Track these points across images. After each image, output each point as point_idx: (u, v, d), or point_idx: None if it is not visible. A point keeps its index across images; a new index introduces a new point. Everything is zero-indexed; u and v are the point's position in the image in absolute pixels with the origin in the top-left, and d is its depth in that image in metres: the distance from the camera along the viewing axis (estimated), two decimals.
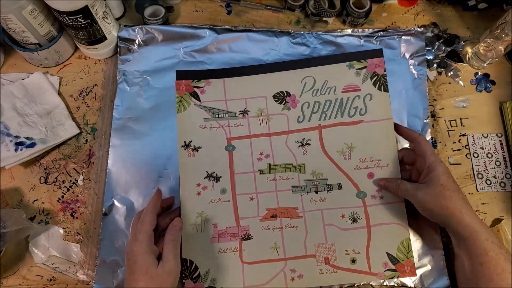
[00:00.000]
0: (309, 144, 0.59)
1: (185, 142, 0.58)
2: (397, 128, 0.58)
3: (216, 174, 0.57)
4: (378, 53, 0.61)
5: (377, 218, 0.56)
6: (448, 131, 0.65)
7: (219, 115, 0.60)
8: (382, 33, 0.67)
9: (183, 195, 0.56)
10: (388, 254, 0.55)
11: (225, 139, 0.59)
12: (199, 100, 0.60)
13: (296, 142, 0.59)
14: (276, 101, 0.60)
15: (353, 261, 0.55)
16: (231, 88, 0.61)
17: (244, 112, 0.60)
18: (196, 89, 0.60)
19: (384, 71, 0.60)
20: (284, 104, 0.60)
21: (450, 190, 0.50)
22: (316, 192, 0.57)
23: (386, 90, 0.59)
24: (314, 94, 0.60)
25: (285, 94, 0.60)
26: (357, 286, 0.56)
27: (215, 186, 0.57)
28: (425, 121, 0.63)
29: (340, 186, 0.57)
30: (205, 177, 0.57)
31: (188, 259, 0.54)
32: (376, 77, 0.60)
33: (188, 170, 0.57)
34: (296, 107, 0.60)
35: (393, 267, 0.55)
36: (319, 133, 0.59)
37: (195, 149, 0.58)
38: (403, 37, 0.66)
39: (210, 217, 0.56)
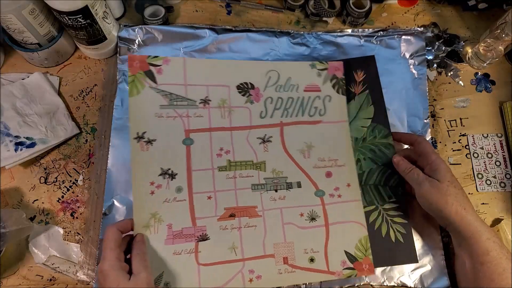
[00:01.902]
0: (270, 141, 0.58)
1: (138, 133, 0.53)
2: (395, 135, 0.59)
3: (172, 171, 0.54)
4: (370, 60, 0.63)
5: (335, 216, 0.56)
6: (448, 131, 0.65)
7: (177, 102, 0.55)
8: (382, 33, 0.67)
9: (135, 195, 0.52)
10: (346, 252, 0.55)
11: (183, 131, 0.55)
12: (155, 81, 0.55)
13: (257, 138, 0.58)
14: (239, 92, 0.58)
15: (312, 260, 0.55)
16: (192, 70, 0.56)
17: (205, 101, 0.57)
18: (152, 67, 0.55)
19: (343, 75, 0.61)
20: (247, 96, 0.58)
21: (456, 187, 0.50)
22: (276, 191, 0.56)
23: (343, 93, 0.61)
24: (278, 90, 0.60)
25: (249, 86, 0.59)
26: (357, 286, 0.56)
27: (170, 184, 0.54)
28: (425, 121, 0.63)
29: (299, 185, 0.57)
30: (160, 174, 0.53)
31: None
32: (335, 80, 0.61)
33: (141, 167, 0.53)
34: (259, 101, 0.59)
35: (351, 265, 0.55)
36: (281, 130, 0.58)
37: (149, 142, 0.54)
38: (403, 37, 0.66)
39: (164, 218, 0.53)
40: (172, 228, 0.53)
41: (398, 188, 0.59)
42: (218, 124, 0.57)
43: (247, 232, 0.54)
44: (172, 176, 0.54)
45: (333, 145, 0.59)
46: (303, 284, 0.56)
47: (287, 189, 0.57)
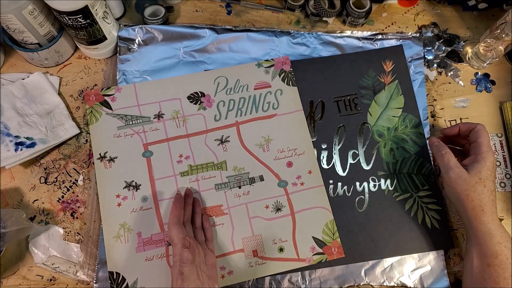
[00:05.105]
0: (228, 141, 0.60)
1: (100, 154, 0.58)
2: (453, 128, 0.57)
3: (136, 183, 0.57)
4: (398, 49, 0.64)
5: (300, 204, 0.58)
6: None
7: (133, 122, 0.60)
8: (381, 36, 0.67)
9: (103, 208, 0.56)
10: (314, 238, 0.57)
11: (141, 145, 0.59)
12: (110, 108, 0.60)
13: (215, 140, 0.60)
14: (191, 101, 0.61)
15: (281, 249, 0.56)
16: (142, 92, 0.61)
17: (159, 116, 0.60)
18: (106, 98, 0.61)
19: (291, 67, 0.63)
20: (199, 104, 0.61)
21: (484, 186, 0.50)
22: (239, 187, 0.58)
23: (294, 85, 0.63)
24: (228, 93, 0.62)
25: (200, 95, 0.62)
26: (357, 286, 0.56)
27: (135, 195, 0.57)
28: (424, 121, 0.63)
29: (262, 178, 0.59)
30: (124, 187, 0.57)
31: (115, 272, 0.54)
32: (284, 73, 0.63)
33: (105, 182, 0.57)
34: (211, 106, 0.61)
35: (320, 250, 0.56)
36: (237, 129, 0.60)
37: (111, 159, 0.58)
38: (401, 41, 0.67)
39: (133, 227, 0.56)
40: (141, 235, 0.56)
41: (430, 176, 0.60)
42: (175, 134, 0.60)
43: (215, 231, 0.57)
44: (136, 187, 0.57)
45: (291, 135, 0.61)
46: (303, 284, 0.56)
47: (250, 184, 0.58)
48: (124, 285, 0.54)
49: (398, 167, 0.61)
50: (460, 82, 0.67)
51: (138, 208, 0.57)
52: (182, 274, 0.46)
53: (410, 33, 0.68)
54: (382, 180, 0.60)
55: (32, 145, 0.59)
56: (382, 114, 0.63)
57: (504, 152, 0.64)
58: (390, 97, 0.63)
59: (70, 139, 0.61)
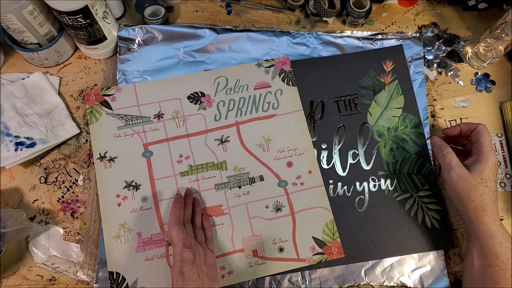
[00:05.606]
0: (228, 141, 0.60)
1: (100, 154, 0.58)
2: (455, 128, 0.57)
3: (135, 183, 0.57)
4: (398, 49, 0.64)
5: (300, 204, 0.58)
6: None
7: (133, 122, 0.60)
8: (380, 36, 0.67)
9: (103, 208, 0.56)
10: (314, 238, 0.57)
11: (141, 145, 0.59)
12: (110, 108, 0.60)
13: (215, 140, 0.60)
14: (191, 101, 0.61)
15: (281, 249, 0.56)
16: (142, 92, 0.61)
17: (159, 116, 0.60)
18: (106, 98, 0.61)
19: (291, 67, 0.63)
20: (199, 104, 0.61)
21: (486, 187, 0.50)
22: (239, 187, 0.58)
23: (294, 84, 0.63)
24: (228, 93, 0.62)
25: (200, 95, 0.62)
26: (357, 286, 0.56)
27: (135, 194, 0.57)
28: (424, 121, 0.63)
29: (262, 178, 0.59)
30: (124, 187, 0.57)
31: (115, 272, 0.54)
32: (284, 73, 0.63)
33: (105, 182, 0.57)
34: (211, 106, 0.61)
35: (320, 250, 0.56)
36: (237, 129, 0.61)
37: (111, 159, 0.58)
38: (401, 41, 0.67)
39: (133, 227, 0.56)
40: (141, 235, 0.56)
41: (430, 176, 0.60)
42: (175, 134, 0.60)
43: (215, 231, 0.57)
44: (136, 187, 0.57)
45: (291, 135, 0.61)
46: (303, 284, 0.56)
47: (250, 184, 0.58)
48: (124, 285, 0.54)
49: (398, 167, 0.61)
50: (460, 82, 0.67)
51: (138, 208, 0.57)
52: (182, 274, 0.46)
53: (410, 33, 0.68)
54: (382, 180, 0.60)
55: (32, 145, 0.59)
56: (382, 114, 0.63)
57: (504, 152, 0.64)
58: (390, 97, 0.64)
59: (70, 139, 0.61)
